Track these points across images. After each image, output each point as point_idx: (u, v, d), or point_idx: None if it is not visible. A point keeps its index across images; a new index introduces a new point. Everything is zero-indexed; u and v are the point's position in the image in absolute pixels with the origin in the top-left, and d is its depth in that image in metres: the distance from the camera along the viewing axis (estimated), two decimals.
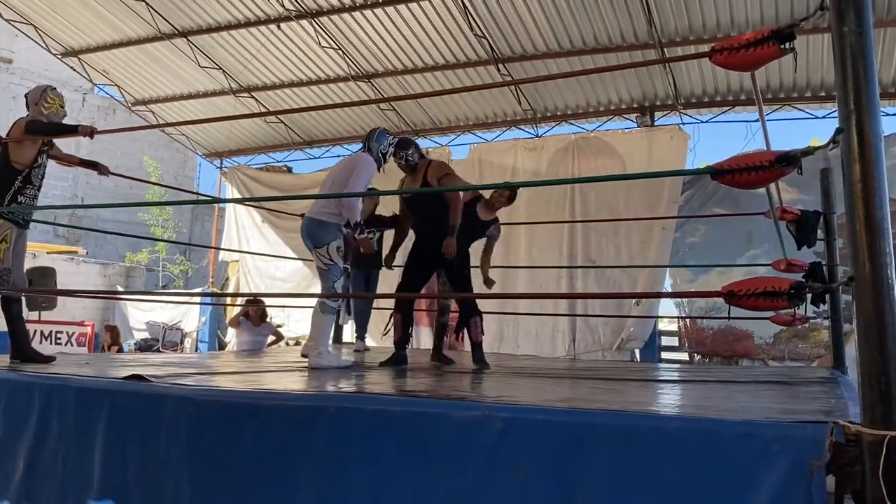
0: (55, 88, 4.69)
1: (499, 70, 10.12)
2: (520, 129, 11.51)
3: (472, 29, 9.49)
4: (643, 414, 2.51)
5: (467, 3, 9.11)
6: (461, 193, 5.21)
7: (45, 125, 4.40)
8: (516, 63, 10.06)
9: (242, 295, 11.66)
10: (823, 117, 9.85)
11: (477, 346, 5.29)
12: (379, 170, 5.06)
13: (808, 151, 2.35)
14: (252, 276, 13.11)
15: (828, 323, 6.30)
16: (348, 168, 4.96)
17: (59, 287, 11.12)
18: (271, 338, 8.59)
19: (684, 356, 10.10)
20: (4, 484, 3.32)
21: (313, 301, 4.94)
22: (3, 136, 4.40)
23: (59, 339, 11.17)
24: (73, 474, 3.14)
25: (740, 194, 8.29)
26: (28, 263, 11.89)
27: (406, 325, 5.35)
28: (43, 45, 11.80)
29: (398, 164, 5.38)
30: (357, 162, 4.95)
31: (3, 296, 4.34)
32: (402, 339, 5.32)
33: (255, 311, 8.26)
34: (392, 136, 5.24)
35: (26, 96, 4.63)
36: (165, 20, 10.60)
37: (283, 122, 12.63)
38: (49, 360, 4.36)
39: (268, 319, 8.68)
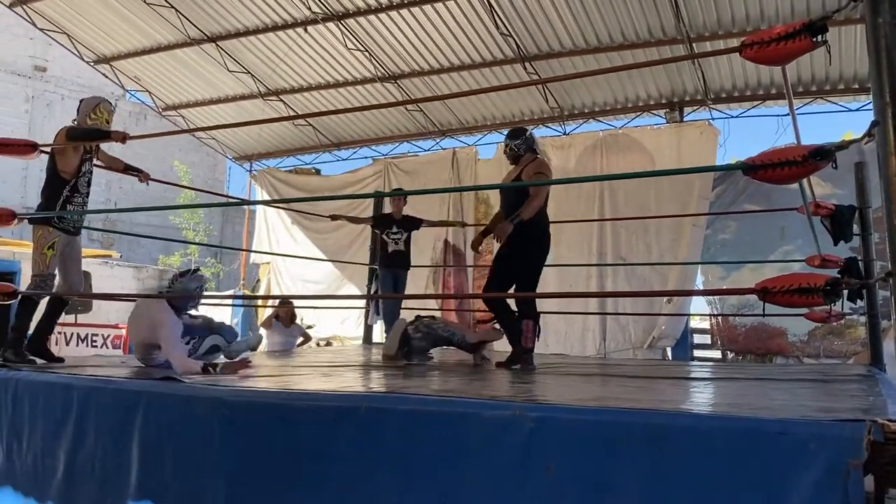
0: (109, 102, 4.82)
1: (525, 68, 10.09)
2: (547, 127, 11.47)
3: (497, 28, 9.48)
4: (676, 412, 2.49)
5: (493, 2, 9.10)
6: (542, 196, 4.89)
7: (82, 130, 4.52)
8: (543, 61, 10.03)
9: (275, 297, 11.77)
10: (857, 110, 9.69)
11: (525, 351, 4.90)
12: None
13: (843, 146, 2.31)
14: (283, 277, 13.23)
15: (864, 319, 6.18)
16: None
17: (93, 290, 11.31)
18: (300, 338, 8.66)
19: (717, 354, 9.98)
20: (45, 485, 3.39)
21: (342, 302, 4.96)
22: (49, 145, 4.52)
23: (95, 341, 11.35)
24: (111, 475, 3.19)
25: (772, 190, 8.18)
26: None
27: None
28: (76, 53, 12.02)
29: (504, 153, 5.33)
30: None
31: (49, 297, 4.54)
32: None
33: (285, 313, 8.34)
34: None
35: (80, 102, 4.76)
36: (195, 26, 10.74)
37: (310, 124, 12.72)
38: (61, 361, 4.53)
39: (297, 321, 8.74)
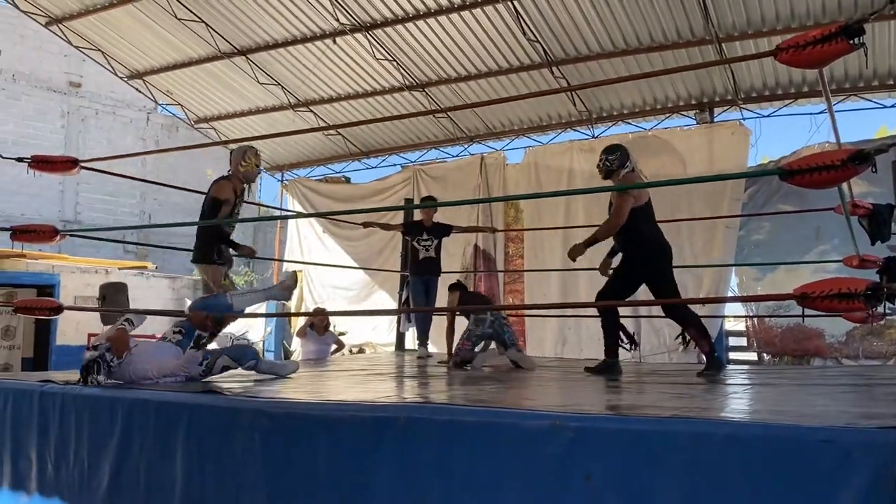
0: (255, 149, 5.36)
1: (552, 73, 10.07)
2: (575, 130, 11.42)
3: (524, 33, 9.48)
4: (716, 421, 2.47)
5: (519, 8, 9.10)
6: (622, 212, 4.93)
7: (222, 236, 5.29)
8: (570, 65, 10.00)
9: (303, 314, 11.84)
10: (893, 106, 9.50)
11: (707, 356, 4.94)
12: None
13: (883, 149, 2.29)
14: (315, 285, 13.33)
15: None
16: None
17: (130, 301, 11.51)
18: (334, 346, 8.74)
19: (753, 356, 9.84)
20: (91, 497, 3.46)
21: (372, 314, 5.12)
22: (208, 191, 5.26)
23: None
24: (155, 488, 3.26)
25: (806, 189, 8.06)
26: (101, 279, 12.36)
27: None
28: (110, 69, 12.26)
29: (597, 166, 5.39)
30: None
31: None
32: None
33: (319, 321, 8.42)
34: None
35: (231, 152, 5.34)
36: (225, 39, 10.90)
37: (340, 134, 12.82)
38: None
39: (330, 328, 8.83)
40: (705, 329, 5.02)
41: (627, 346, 5.13)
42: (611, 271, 5.28)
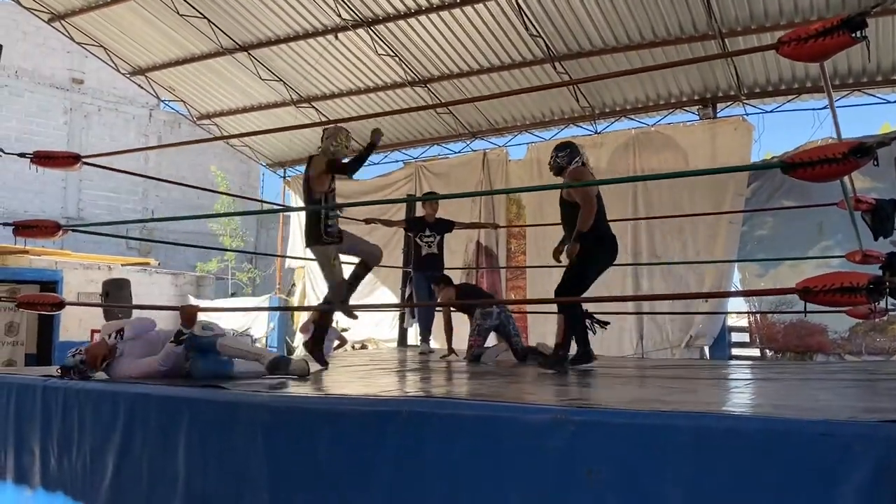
0: (346, 130, 5.26)
1: (555, 68, 10.05)
2: (578, 126, 11.40)
3: (527, 29, 9.46)
4: (718, 415, 2.47)
5: (522, 4, 9.09)
6: (591, 203, 4.98)
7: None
8: (573, 60, 9.98)
9: (306, 308, 11.87)
10: (895, 101, 9.48)
11: (555, 347, 5.05)
12: None
13: (885, 142, 2.29)
14: (317, 281, 13.33)
15: None
16: None
17: (133, 298, 11.54)
18: (336, 342, 8.73)
19: (755, 352, 9.83)
20: (94, 490, 3.48)
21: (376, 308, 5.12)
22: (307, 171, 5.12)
23: None
24: (157, 481, 3.27)
25: (809, 185, 7.95)
26: (103, 275, 12.38)
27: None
28: (112, 65, 12.27)
29: (549, 164, 5.42)
30: None
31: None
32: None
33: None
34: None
35: (324, 131, 5.23)
36: (227, 35, 10.90)
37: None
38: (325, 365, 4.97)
39: (333, 324, 8.82)
40: (580, 327, 5.06)
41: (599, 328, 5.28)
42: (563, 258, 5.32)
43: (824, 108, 9.35)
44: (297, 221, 13.80)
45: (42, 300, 4.75)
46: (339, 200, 13.27)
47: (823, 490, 1.95)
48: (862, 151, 2.30)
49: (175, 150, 19.61)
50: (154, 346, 4.10)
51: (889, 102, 9.53)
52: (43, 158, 4.52)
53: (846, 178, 5.00)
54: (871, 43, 2.45)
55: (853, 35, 2.42)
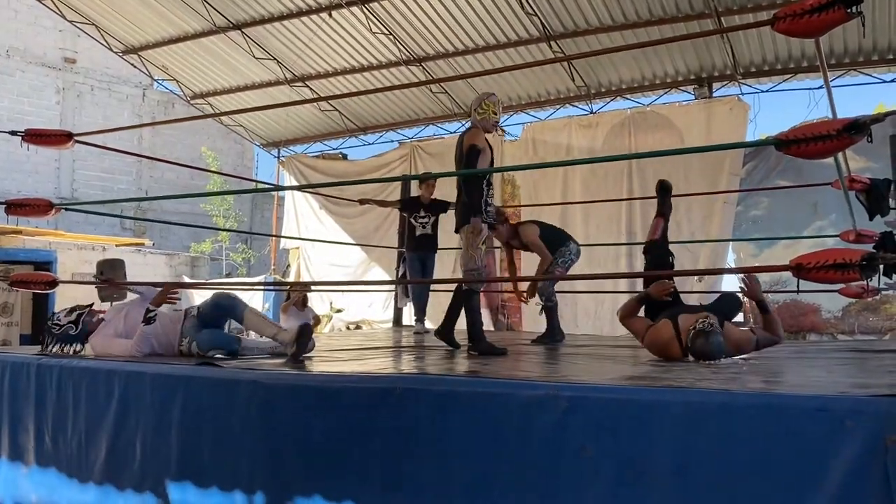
0: (494, 95, 4.91)
1: (551, 47, 10.00)
2: (573, 106, 11.37)
3: (522, 7, 9.40)
4: (710, 391, 2.48)
5: None
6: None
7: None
8: (568, 39, 9.93)
9: (313, 284, 11.86)
10: (892, 81, 9.46)
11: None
12: None
13: (878, 118, 2.28)
14: (311, 262, 13.34)
15: None
16: None
17: (127, 278, 11.53)
18: (313, 321, 8.86)
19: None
20: (88, 467, 3.49)
21: (370, 286, 5.03)
22: (461, 142, 4.71)
23: None
24: (151, 458, 3.27)
25: (804, 164, 8.04)
26: (98, 256, 12.34)
27: None
28: (105, 43, 12.16)
29: None
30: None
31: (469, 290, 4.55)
32: None
33: (298, 298, 8.50)
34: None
35: (473, 101, 4.88)
36: (220, 14, 10.80)
37: (337, 109, 12.76)
38: (503, 352, 4.38)
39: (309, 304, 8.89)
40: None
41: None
42: None
43: (819, 87, 9.34)
44: (292, 202, 13.77)
45: (35, 278, 4.74)
46: (330, 180, 13.26)
47: (816, 464, 1.97)
48: (856, 128, 2.30)
49: (169, 130, 19.50)
50: (128, 325, 4.09)
51: (884, 82, 9.52)
52: (35, 137, 4.48)
53: (840, 158, 5.00)
54: (866, 21, 2.43)
55: (848, 10, 2.41)
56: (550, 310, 5.87)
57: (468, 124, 4.97)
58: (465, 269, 4.64)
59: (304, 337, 3.80)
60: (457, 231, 4.73)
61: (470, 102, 4.87)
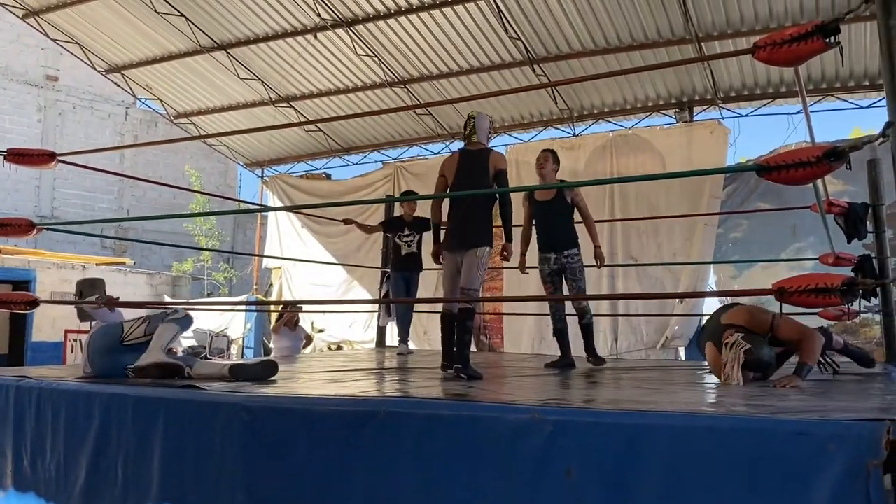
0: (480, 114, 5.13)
1: (534, 70, 10.11)
2: (556, 128, 11.49)
3: (506, 31, 9.50)
4: (694, 414, 2.50)
5: (501, 6, 9.12)
6: None
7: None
8: (552, 63, 10.05)
9: (298, 302, 11.81)
10: (868, 107, 9.65)
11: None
12: None
13: (857, 146, 2.32)
14: (293, 281, 13.28)
15: (879, 318, 6.15)
16: None
17: (107, 297, 11.43)
18: (304, 340, 8.88)
19: None
20: (67, 491, 3.43)
21: (350, 306, 5.01)
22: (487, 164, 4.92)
23: None
24: (133, 482, 3.23)
25: (783, 188, 8.07)
26: (78, 275, 12.22)
27: None
28: (88, 62, 12.13)
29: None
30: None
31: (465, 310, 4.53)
32: None
33: (290, 317, 8.50)
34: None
35: (482, 123, 5.09)
36: (205, 34, 10.82)
37: (321, 129, 12.78)
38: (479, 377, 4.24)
39: (301, 324, 8.90)
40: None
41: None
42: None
43: (798, 112, 9.50)
44: (275, 221, 13.73)
45: (15, 298, 4.67)
46: (317, 202, 13.26)
47: (800, 488, 1.98)
48: (835, 155, 2.34)
49: (151, 149, 19.42)
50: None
51: (860, 108, 9.71)
52: (17, 156, 4.44)
53: (819, 182, 5.07)
54: (844, 49, 2.49)
55: (827, 40, 2.46)
56: (561, 332, 5.91)
57: (462, 144, 5.13)
58: (467, 287, 4.60)
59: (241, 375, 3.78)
60: (462, 248, 4.72)
61: (476, 120, 5.07)
